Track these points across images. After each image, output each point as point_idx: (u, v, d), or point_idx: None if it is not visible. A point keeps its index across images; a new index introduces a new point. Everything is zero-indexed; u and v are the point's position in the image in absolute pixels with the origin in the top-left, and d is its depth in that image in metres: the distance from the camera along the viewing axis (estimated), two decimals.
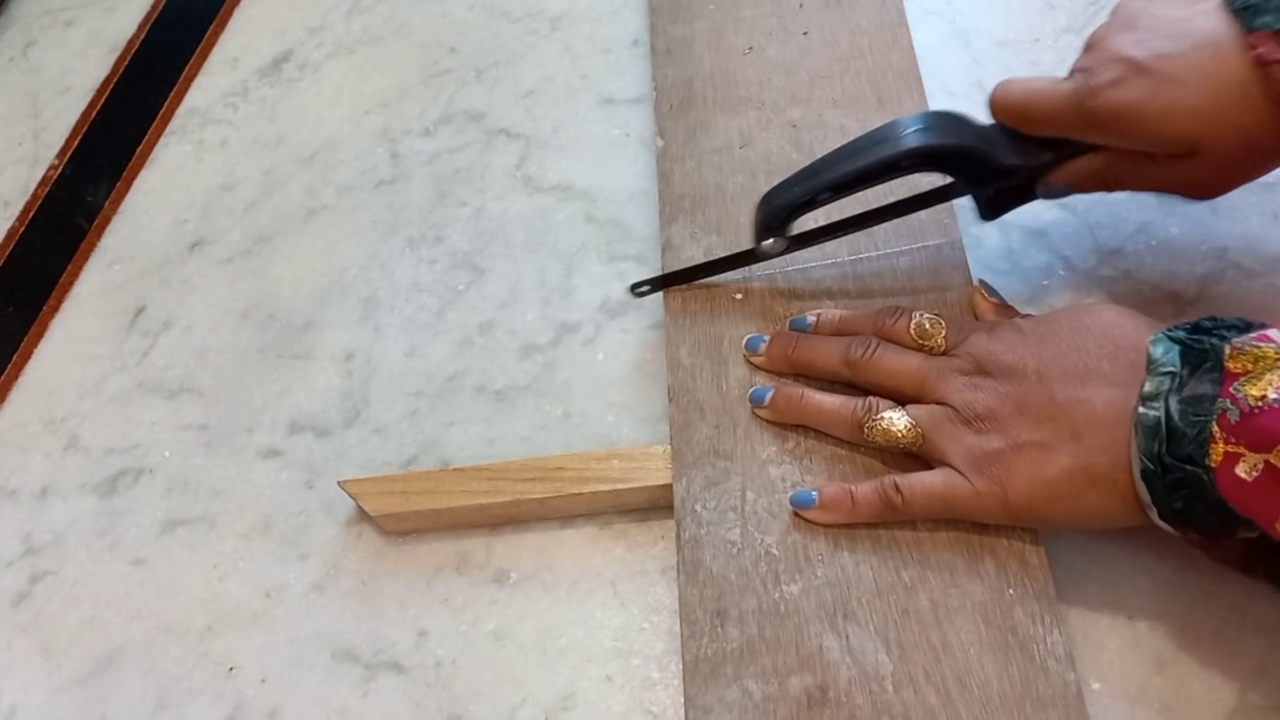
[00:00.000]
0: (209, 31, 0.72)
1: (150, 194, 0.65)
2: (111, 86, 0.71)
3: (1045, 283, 0.50)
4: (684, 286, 0.50)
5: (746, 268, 0.49)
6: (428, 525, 0.47)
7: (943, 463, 0.40)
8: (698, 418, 0.45)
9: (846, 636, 0.39)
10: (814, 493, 0.42)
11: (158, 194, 0.65)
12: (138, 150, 0.67)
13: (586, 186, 0.59)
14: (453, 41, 0.68)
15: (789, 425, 0.45)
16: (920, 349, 0.43)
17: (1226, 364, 0.34)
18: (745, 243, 0.50)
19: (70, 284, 0.61)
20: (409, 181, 0.61)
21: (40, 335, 0.59)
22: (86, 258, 0.62)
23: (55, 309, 0.60)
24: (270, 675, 0.46)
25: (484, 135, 0.63)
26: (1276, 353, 0.33)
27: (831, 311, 0.47)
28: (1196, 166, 0.40)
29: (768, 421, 0.45)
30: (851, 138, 0.52)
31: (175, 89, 0.69)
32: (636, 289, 0.50)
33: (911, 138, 0.43)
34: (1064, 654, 0.38)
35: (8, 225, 0.65)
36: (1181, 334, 0.36)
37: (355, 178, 0.62)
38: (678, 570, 0.42)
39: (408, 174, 0.62)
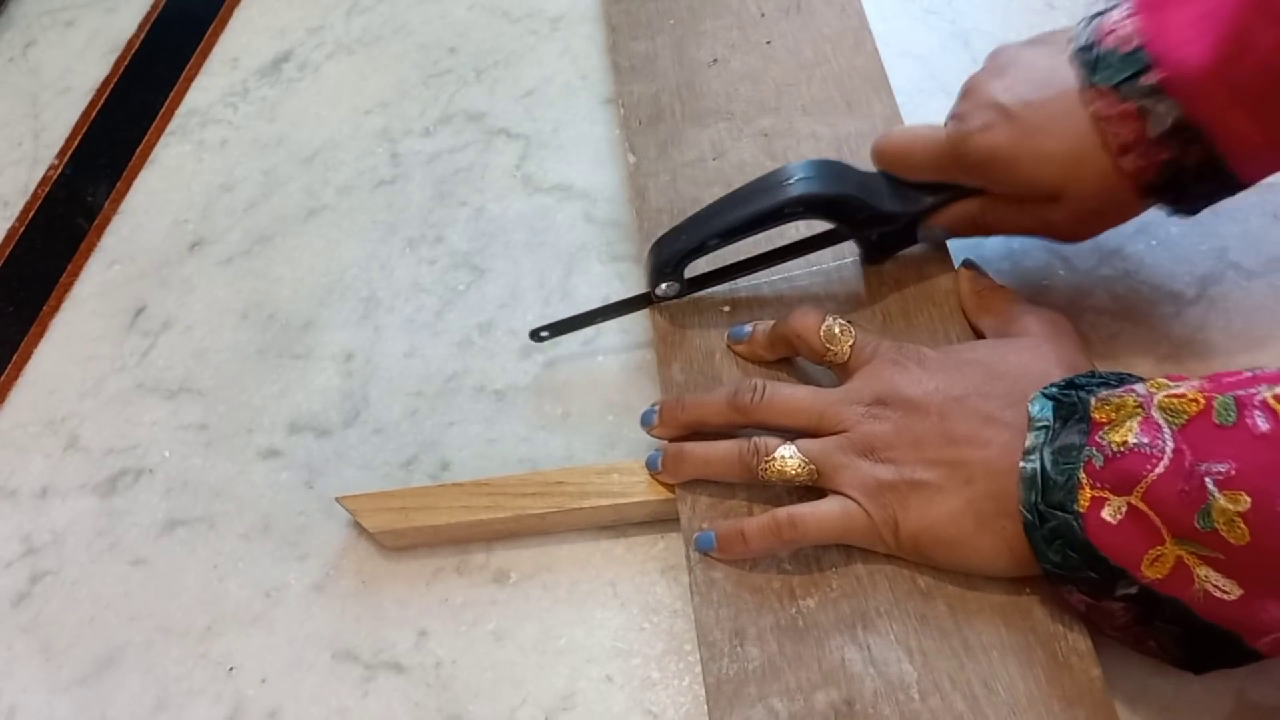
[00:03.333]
0: (209, 31, 0.72)
1: (150, 194, 0.65)
2: (111, 86, 0.71)
3: (1045, 283, 0.50)
4: (672, 302, 0.49)
5: (732, 280, 0.49)
6: (426, 541, 0.47)
7: (838, 492, 0.40)
8: (696, 436, 0.45)
9: (868, 647, 0.39)
10: (713, 534, 0.42)
11: (158, 194, 0.65)
12: (138, 150, 0.67)
13: (586, 186, 0.59)
14: (453, 41, 0.68)
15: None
16: (823, 353, 0.43)
17: (1093, 414, 0.35)
18: (726, 255, 0.50)
19: (70, 284, 0.61)
20: (409, 181, 0.61)
21: (40, 335, 0.59)
22: (86, 258, 0.62)
23: (55, 309, 0.60)
24: (270, 675, 0.46)
25: (484, 135, 0.63)
26: (1136, 402, 0.35)
27: (766, 322, 0.46)
28: (1059, 211, 0.41)
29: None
30: (823, 144, 0.53)
31: (175, 89, 0.70)
32: (537, 335, 0.50)
33: (795, 186, 0.44)
34: (1086, 650, 0.38)
35: (8, 225, 0.65)
36: (1054, 390, 0.37)
37: (355, 178, 0.62)
38: (691, 592, 0.41)
39: (408, 174, 0.62)
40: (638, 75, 0.58)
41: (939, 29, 0.61)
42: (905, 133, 0.45)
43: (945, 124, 0.43)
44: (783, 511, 0.40)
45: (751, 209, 0.44)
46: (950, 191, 0.44)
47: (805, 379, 0.46)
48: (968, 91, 0.43)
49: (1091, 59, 0.39)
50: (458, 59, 0.67)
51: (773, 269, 0.49)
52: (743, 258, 0.49)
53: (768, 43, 0.58)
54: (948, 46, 0.60)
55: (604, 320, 0.51)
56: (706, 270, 0.49)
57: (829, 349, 0.43)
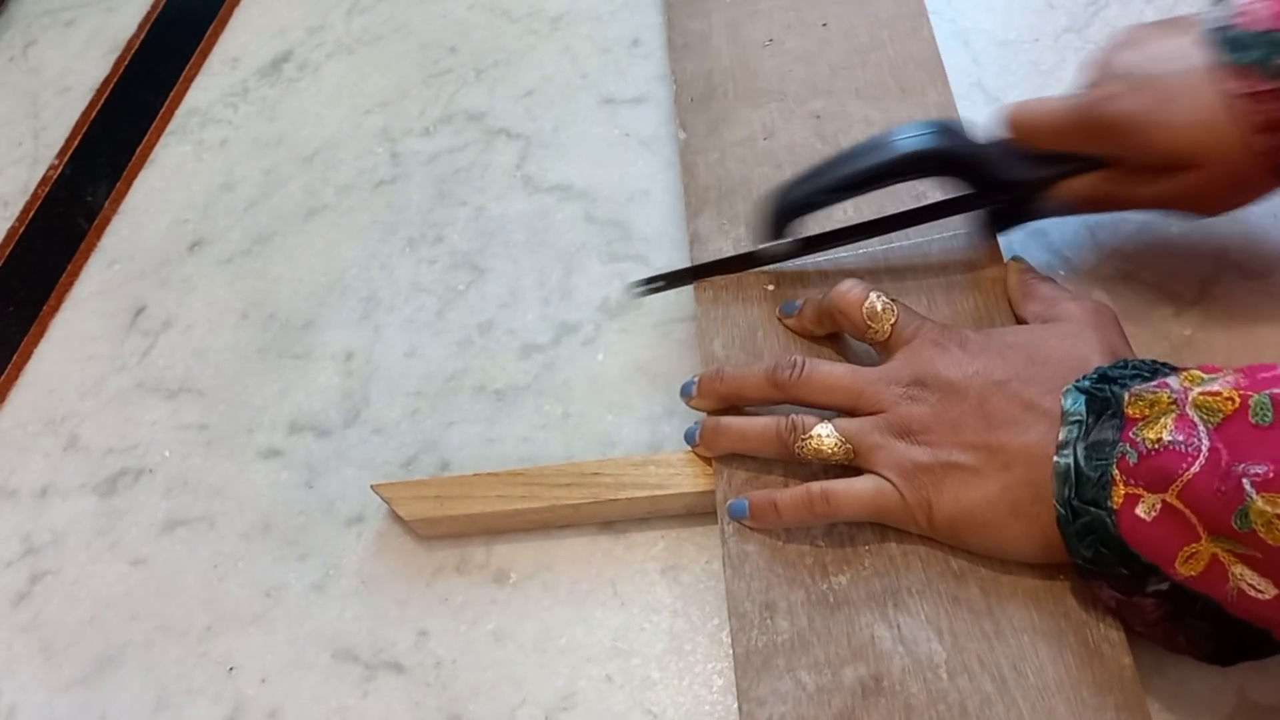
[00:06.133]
0: (209, 31, 0.72)
1: (150, 194, 0.65)
2: (111, 86, 0.71)
3: None
4: (714, 279, 0.49)
5: (838, 246, 0.49)
6: (461, 530, 0.47)
7: (873, 471, 0.40)
8: (734, 411, 0.45)
9: (898, 626, 0.39)
10: (746, 501, 0.42)
11: (158, 194, 0.65)
12: (138, 150, 0.67)
13: (586, 186, 0.59)
14: (453, 41, 0.68)
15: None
16: (865, 330, 0.43)
17: (1126, 410, 0.35)
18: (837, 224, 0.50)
19: (70, 284, 0.61)
20: (409, 181, 0.61)
21: (40, 335, 0.59)
22: (86, 258, 0.62)
23: (55, 309, 0.60)
24: (270, 675, 0.46)
25: (484, 135, 0.63)
26: (1170, 398, 0.34)
27: (817, 296, 0.46)
28: (1190, 181, 0.41)
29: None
30: (875, 128, 0.52)
31: (175, 89, 0.70)
32: (636, 288, 0.50)
33: (914, 141, 0.43)
34: (1118, 638, 0.37)
35: (8, 225, 0.65)
36: (1087, 383, 0.37)
37: (355, 178, 0.62)
38: (723, 564, 0.42)
39: (408, 174, 0.62)
40: (692, 53, 0.58)
41: (939, 29, 0.61)
42: (1035, 101, 0.44)
43: (1076, 95, 0.43)
44: (816, 485, 0.41)
45: (868, 163, 0.44)
46: (1076, 163, 0.44)
47: (854, 356, 0.46)
48: (1099, 63, 0.43)
49: (1225, 39, 0.39)
50: (458, 59, 0.67)
51: (815, 253, 0.49)
52: (850, 224, 0.48)
53: (824, 25, 0.57)
54: (948, 46, 0.60)
55: (706, 277, 0.50)
56: (813, 234, 0.48)
57: (870, 326, 0.43)
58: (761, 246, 0.47)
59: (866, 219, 0.48)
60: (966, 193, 0.45)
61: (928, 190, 0.48)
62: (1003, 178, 0.44)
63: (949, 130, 0.44)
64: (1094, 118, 0.41)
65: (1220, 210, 0.43)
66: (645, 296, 0.51)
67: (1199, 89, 0.39)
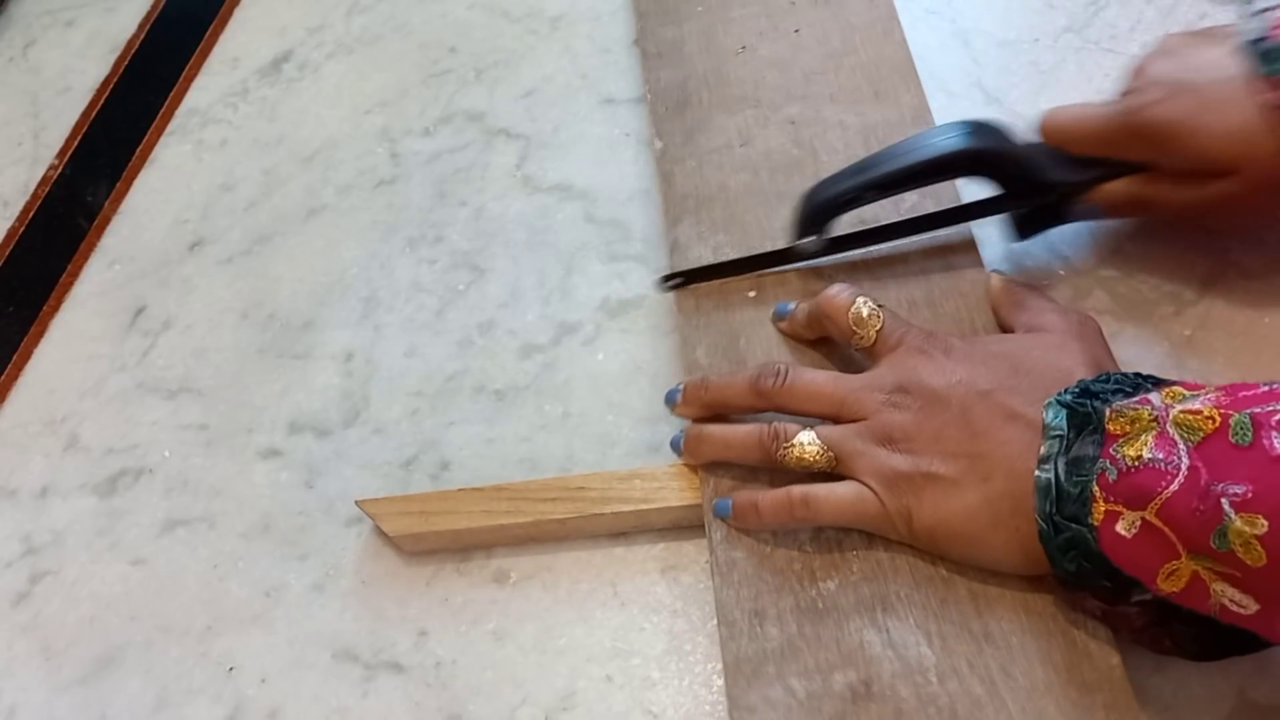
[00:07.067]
0: (209, 31, 0.72)
1: (150, 194, 0.65)
2: (111, 86, 0.71)
3: (1045, 283, 0.50)
4: (695, 286, 0.49)
5: (869, 245, 0.49)
6: (446, 545, 0.47)
7: (855, 478, 0.40)
8: (719, 419, 0.45)
9: (887, 630, 0.39)
10: (730, 500, 0.42)
11: (158, 194, 0.65)
12: (138, 150, 0.67)
13: (586, 186, 0.59)
14: (453, 41, 0.68)
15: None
16: (850, 335, 0.43)
17: (1107, 426, 0.35)
18: (752, 240, 0.50)
19: (70, 284, 0.61)
20: (409, 181, 0.61)
21: (40, 335, 0.59)
22: (86, 258, 0.62)
23: (55, 309, 0.60)
24: (270, 675, 0.46)
25: (484, 135, 0.63)
26: (1151, 415, 0.34)
27: (806, 302, 0.46)
28: (1230, 186, 0.41)
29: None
30: (851, 133, 0.52)
31: (175, 89, 0.70)
32: (666, 282, 0.50)
33: (959, 140, 0.43)
34: (1106, 638, 0.38)
35: (8, 225, 0.65)
36: (1069, 397, 0.37)
37: (355, 178, 0.62)
38: (711, 572, 0.42)
39: (408, 174, 0.62)
40: (665, 61, 0.58)
41: (939, 29, 0.61)
42: (1075, 106, 0.45)
43: (1116, 100, 0.43)
44: (798, 489, 0.41)
45: (913, 160, 0.43)
46: (1113, 168, 0.44)
47: (845, 359, 0.46)
48: (1138, 70, 0.43)
49: (1261, 51, 0.39)
50: (458, 59, 0.67)
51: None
52: (884, 223, 0.48)
53: (796, 31, 0.58)
54: (948, 46, 0.60)
55: (737, 274, 0.49)
56: (847, 232, 0.48)
57: (856, 331, 0.43)
58: (799, 243, 0.47)
59: (897, 219, 0.48)
60: (1001, 193, 0.45)
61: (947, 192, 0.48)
62: (1041, 179, 0.44)
63: (989, 130, 0.44)
64: (1136, 122, 0.42)
65: (1257, 218, 0.43)
66: (671, 291, 0.50)
67: (1236, 98, 0.40)
